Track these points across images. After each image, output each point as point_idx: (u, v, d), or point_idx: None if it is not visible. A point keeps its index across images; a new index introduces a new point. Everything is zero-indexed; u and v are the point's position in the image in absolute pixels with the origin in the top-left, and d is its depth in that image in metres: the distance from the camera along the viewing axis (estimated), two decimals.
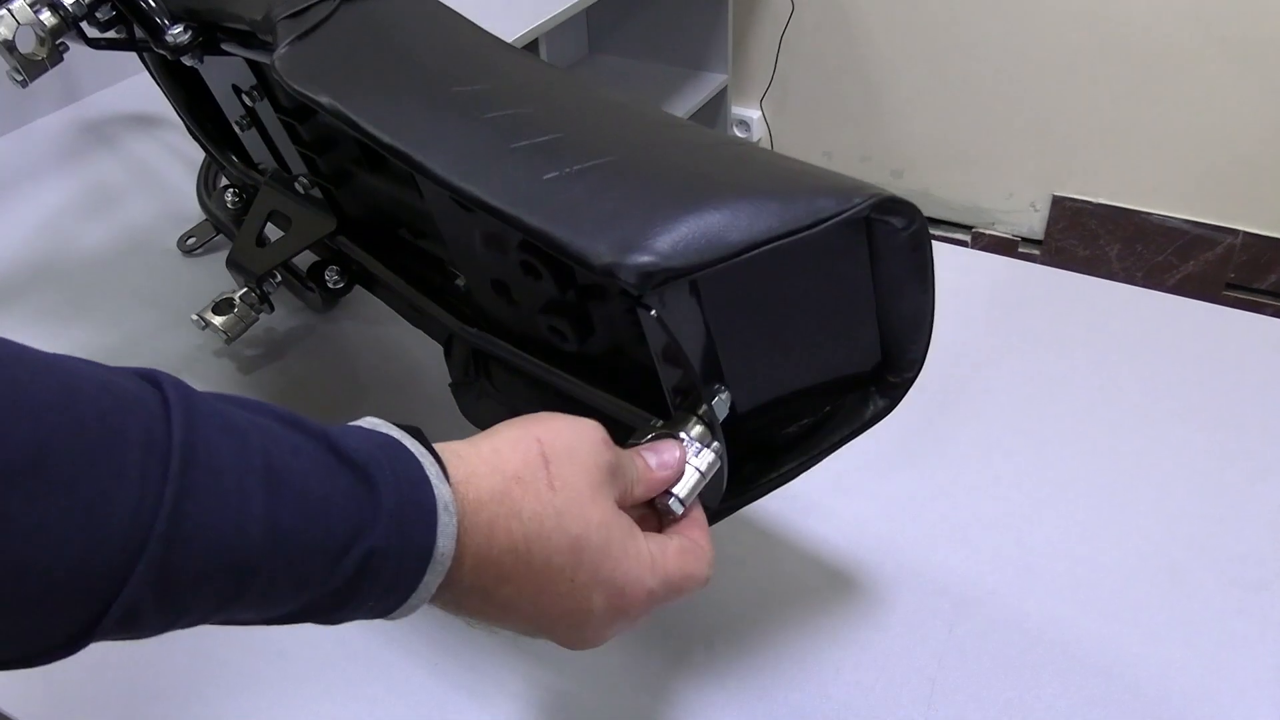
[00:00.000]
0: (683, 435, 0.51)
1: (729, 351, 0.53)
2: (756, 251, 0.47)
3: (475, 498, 0.41)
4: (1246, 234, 2.21)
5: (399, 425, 0.42)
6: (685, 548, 0.48)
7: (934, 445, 0.80)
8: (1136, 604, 0.68)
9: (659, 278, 0.45)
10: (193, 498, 0.33)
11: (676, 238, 0.46)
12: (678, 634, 0.68)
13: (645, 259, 0.45)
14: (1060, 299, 0.95)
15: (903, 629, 0.67)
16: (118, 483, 0.32)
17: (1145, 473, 0.77)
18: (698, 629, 0.68)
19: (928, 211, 2.50)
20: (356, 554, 0.37)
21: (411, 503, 0.39)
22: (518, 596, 0.43)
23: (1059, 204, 2.36)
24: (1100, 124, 2.25)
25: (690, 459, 0.50)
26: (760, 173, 0.51)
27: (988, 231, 2.50)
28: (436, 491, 0.40)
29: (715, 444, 0.51)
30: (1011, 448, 0.80)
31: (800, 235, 0.47)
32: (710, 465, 0.50)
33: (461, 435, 0.69)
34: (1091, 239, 2.34)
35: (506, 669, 0.66)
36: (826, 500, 0.74)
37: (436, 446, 0.42)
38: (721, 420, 0.52)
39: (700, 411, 0.51)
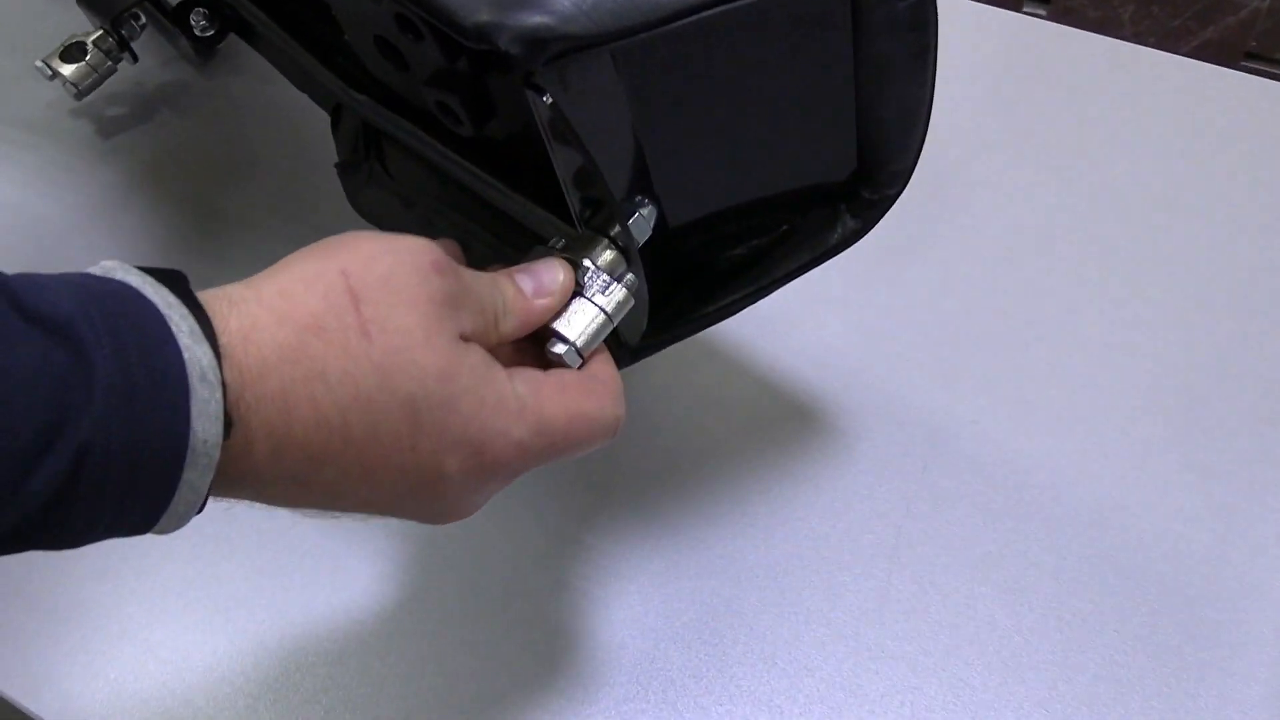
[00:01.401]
0: (587, 263, 0.40)
1: (657, 152, 0.42)
2: (699, 16, 0.36)
3: (258, 359, 0.30)
4: None
5: (148, 269, 0.30)
6: (569, 383, 0.38)
7: (915, 246, 0.68)
8: (1143, 443, 0.59)
9: (555, 48, 0.34)
10: None
11: None
12: (596, 474, 0.58)
13: (536, 19, 0.34)
14: (1068, 64, 0.81)
15: (868, 467, 0.57)
16: None
17: (1161, 281, 0.66)
18: (620, 468, 0.58)
19: None
20: (61, 453, 0.26)
21: (147, 373, 0.27)
22: (343, 479, 0.33)
23: None
24: None
25: (595, 295, 0.39)
26: None
27: None
28: (187, 354, 0.28)
29: (629, 276, 0.40)
30: (1005, 250, 0.68)
31: None
32: (620, 305, 0.40)
33: (350, 227, 0.57)
34: None
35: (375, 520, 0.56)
36: (784, 313, 0.63)
37: (202, 295, 0.31)
38: (644, 242, 0.41)
39: (613, 233, 0.40)
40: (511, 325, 0.37)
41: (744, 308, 0.49)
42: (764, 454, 0.58)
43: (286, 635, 0.52)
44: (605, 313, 0.39)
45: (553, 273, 0.38)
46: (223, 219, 0.70)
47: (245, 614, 0.52)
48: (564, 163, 0.38)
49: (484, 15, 0.34)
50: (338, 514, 0.35)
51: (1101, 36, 0.83)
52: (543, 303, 0.38)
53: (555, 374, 0.38)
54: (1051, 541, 0.54)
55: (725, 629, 0.51)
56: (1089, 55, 0.82)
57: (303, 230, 0.68)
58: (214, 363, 0.29)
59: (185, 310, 0.29)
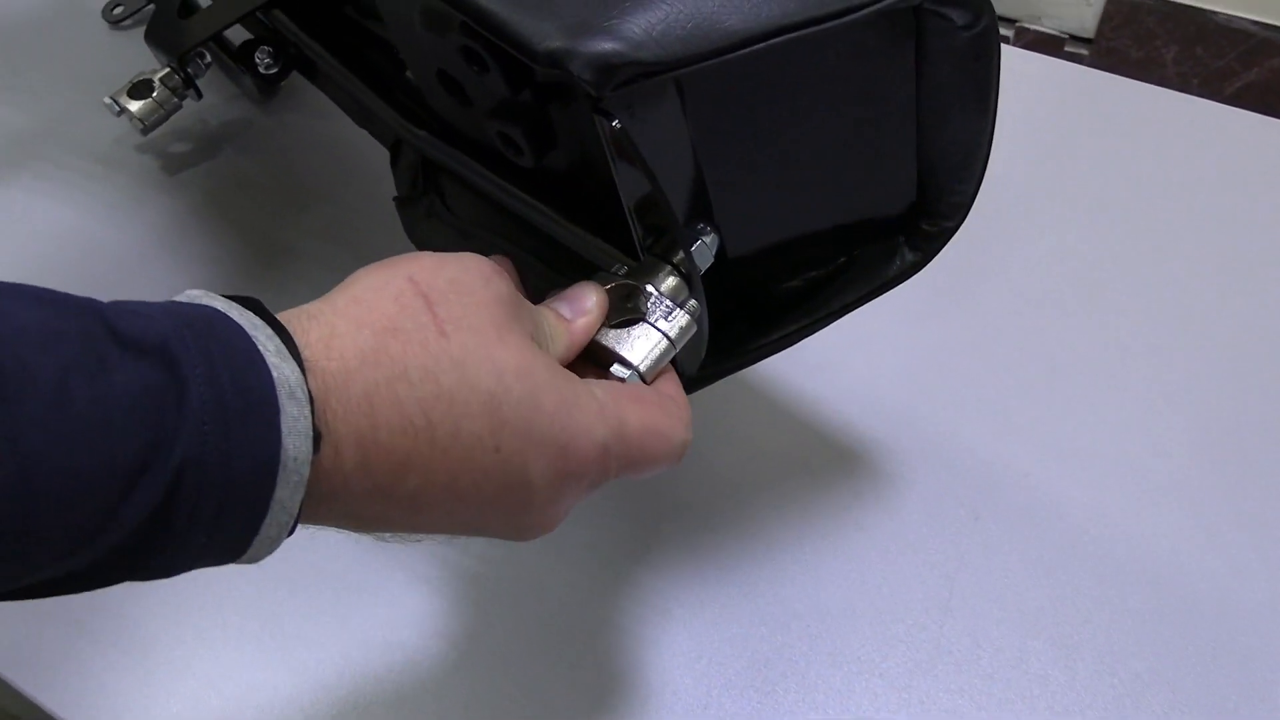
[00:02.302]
0: (650, 288, 0.40)
1: (719, 180, 0.42)
2: (765, 44, 0.36)
3: (340, 368, 0.31)
4: None
5: (231, 296, 0.31)
6: (645, 395, 0.38)
7: (966, 291, 0.68)
8: (1198, 496, 0.58)
9: (625, 74, 0.35)
10: None
11: (653, 19, 0.35)
12: (647, 514, 0.58)
13: (607, 46, 0.34)
14: (1111, 110, 0.81)
15: (919, 516, 0.57)
16: None
17: (1212, 331, 0.65)
18: (672, 509, 0.58)
19: None
20: (159, 473, 0.26)
21: (237, 392, 0.28)
22: (429, 487, 0.33)
23: None
24: None
25: (658, 320, 0.40)
26: None
27: (1033, 27, 2.30)
28: (276, 372, 0.29)
29: (692, 302, 0.41)
30: (1054, 297, 0.68)
31: (826, 25, 0.37)
32: (683, 330, 0.40)
33: None
34: (1147, 39, 2.15)
35: (433, 556, 0.56)
36: (834, 355, 0.63)
37: (280, 315, 0.31)
38: (705, 270, 0.42)
39: (676, 260, 0.41)
40: (560, 349, 0.37)
41: (800, 339, 0.49)
42: (815, 499, 0.58)
43: (345, 673, 0.52)
44: (668, 338, 0.39)
45: (584, 293, 0.39)
46: (284, 250, 0.71)
47: (305, 651, 0.52)
48: (629, 188, 0.39)
49: (556, 42, 0.34)
50: (420, 534, 0.35)
51: (1144, 84, 0.83)
52: (582, 321, 0.38)
53: (630, 385, 0.38)
54: (1104, 595, 0.54)
55: (777, 677, 0.51)
56: (1132, 102, 0.81)
57: (362, 260, 0.68)
58: (301, 380, 0.29)
59: (270, 331, 0.30)
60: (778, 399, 0.62)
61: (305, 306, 0.33)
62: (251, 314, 0.30)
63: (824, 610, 0.54)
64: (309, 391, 0.29)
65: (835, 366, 0.63)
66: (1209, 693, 0.50)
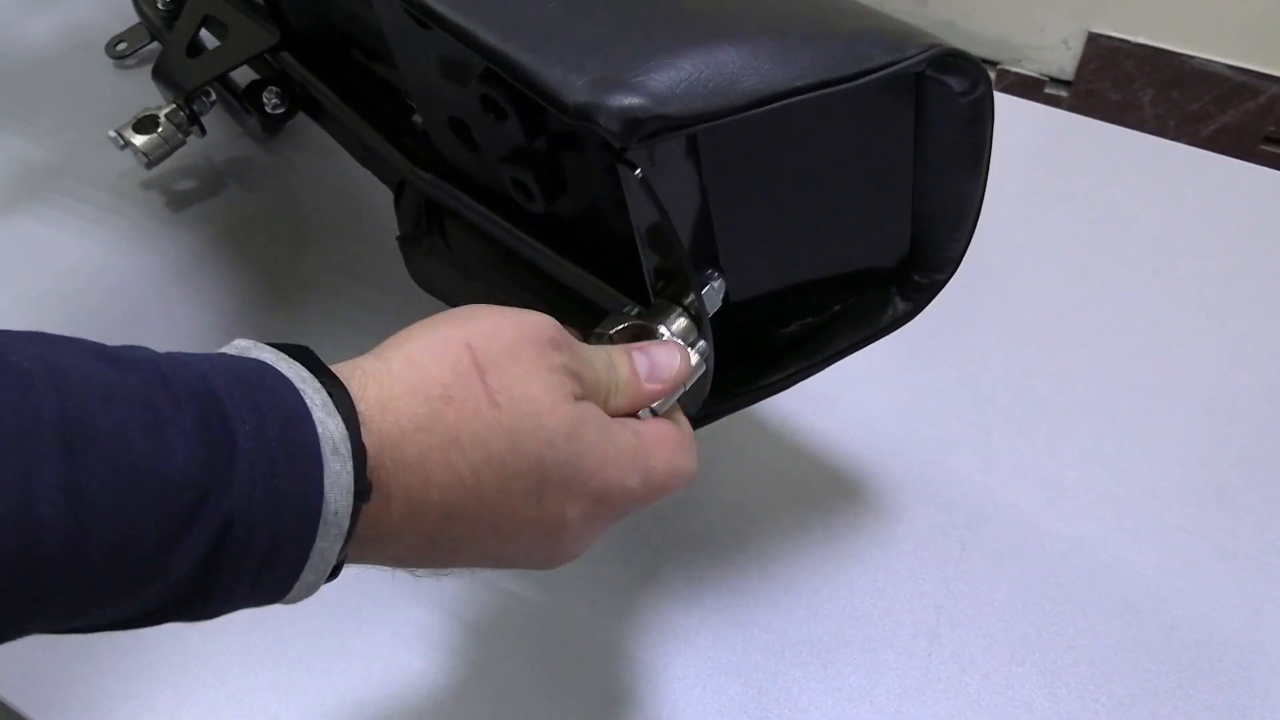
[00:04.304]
0: (662, 329, 0.42)
1: (728, 229, 0.44)
2: (777, 104, 0.38)
3: (395, 429, 0.32)
4: None
5: (279, 345, 0.32)
6: (667, 435, 0.40)
7: (954, 331, 0.69)
8: (1177, 529, 0.59)
9: (649, 127, 0.36)
10: None
11: (676, 77, 0.37)
12: (645, 545, 0.59)
13: (633, 101, 0.36)
14: (1093, 154, 0.83)
15: (908, 547, 0.59)
16: None
17: (1194, 372, 0.67)
18: (668, 540, 0.59)
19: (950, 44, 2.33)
20: (207, 524, 0.27)
21: (283, 446, 0.29)
22: (472, 534, 0.35)
23: (1094, 41, 2.19)
24: None
25: None
26: (791, 5, 0.41)
27: (1013, 69, 2.33)
28: (320, 429, 0.30)
29: (701, 343, 0.42)
30: (1040, 335, 0.69)
31: (835, 88, 0.38)
32: (693, 370, 0.42)
33: (411, 294, 0.59)
34: (1125, 82, 2.18)
35: (436, 583, 0.58)
36: (827, 390, 0.65)
37: (336, 367, 0.33)
38: (713, 313, 0.43)
39: (687, 302, 0.42)
40: (619, 404, 0.39)
41: (796, 383, 0.50)
42: (808, 531, 0.59)
43: (347, 698, 0.53)
44: None
45: (670, 358, 0.40)
46: (289, 283, 0.72)
47: (307, 676, 0.53)
48: (647, 233, 0.40)
49: (584, 96, 0.36)
50: (453, 569, 0.37)
51: (1121, 128, 0.85)
52: (654, 387, 0.39)
53: (653, 425, 0.39)
54: (1088, 624, 0.55)
55: (770, 704, 0.53)
56: (1110, 145, 0.83)
57: (367, 293, 0.71)
58: (345, 435, 0.30)
59: (318, 384, 0.31)
60: (775, 434, 0.64)
61: (359, 362, 0.34)
62: (300, 366, 0.31)
63: (816, 639, 0.55)
64: (355, 445, 0.30)
65: (829, 402, 0.65)
66: (1188, 718, 0.52)
